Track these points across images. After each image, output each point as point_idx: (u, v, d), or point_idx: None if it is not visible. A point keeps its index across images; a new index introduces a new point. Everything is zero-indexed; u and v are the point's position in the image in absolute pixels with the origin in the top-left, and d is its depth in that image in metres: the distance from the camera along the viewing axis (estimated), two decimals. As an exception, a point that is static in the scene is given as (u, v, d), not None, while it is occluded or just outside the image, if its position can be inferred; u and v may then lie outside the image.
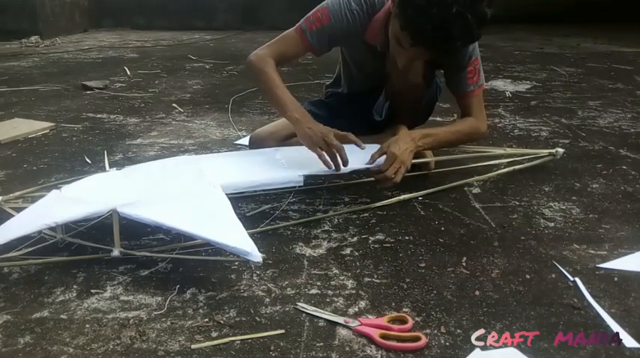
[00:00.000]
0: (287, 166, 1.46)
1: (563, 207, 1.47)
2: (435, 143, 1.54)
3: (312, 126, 1.41)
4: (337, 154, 1.38)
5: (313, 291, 1.09)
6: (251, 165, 1.51)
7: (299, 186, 1.42)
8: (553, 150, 1.76)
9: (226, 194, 1.26)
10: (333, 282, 1.12)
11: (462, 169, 1.69)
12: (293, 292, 1.09)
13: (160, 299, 1.07)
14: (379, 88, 1.68)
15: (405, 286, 1.11)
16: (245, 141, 2.08)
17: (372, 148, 1.47)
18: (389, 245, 1.28)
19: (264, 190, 1.52)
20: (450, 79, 1.58)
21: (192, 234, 1.15)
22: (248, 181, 1.38)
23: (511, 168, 1.70)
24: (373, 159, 1.44)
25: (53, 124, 2.31)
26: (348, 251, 1.25)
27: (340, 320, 0.99)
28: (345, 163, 1.39)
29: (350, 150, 1.42)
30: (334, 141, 1.38)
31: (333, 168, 1.39)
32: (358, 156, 1.44)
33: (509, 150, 1.75)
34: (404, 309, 1.03)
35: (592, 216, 1.42)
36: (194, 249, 1.24)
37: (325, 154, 1.38)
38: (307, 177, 1.42)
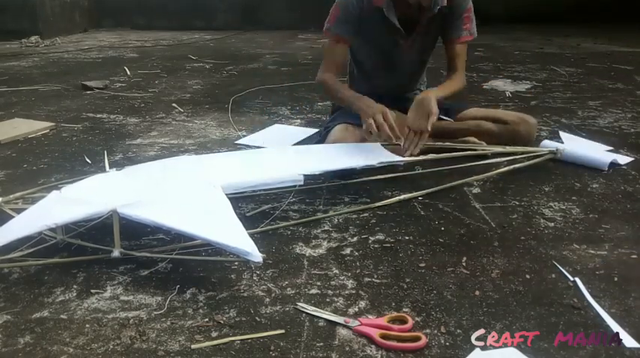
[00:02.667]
0: (289, 165, 1.46)
1: (563, 207, 1.47)
2: (440, 96, 1.69)
3: (369, 104, 1.60)
4: (389, 128, 1.53)
5: (313, 291, 1.09)
6: (251, 164, 1.51)
7: (299, 186, 1.43)
8: (554, 149, 1.76)
9: (226, 194, 1.26)
10: (333, 282, 1.12)
11: (461, 169, 1.69)
12: (293, 292, 1.09)
13: (160, 299, 1.07)
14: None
15: (405, 286, 1.11)
16: (245, 141, 2.08)
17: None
18: (389, 245, 1.28)
19: (264, 190, 1.52)
20: (445, 25, 1.75)
21: (193, 235, 1.15)
22: (248, 181, 1.38)
23: (512, 167, 1.70)
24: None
25: (53, 124, 2.31)
26: (348, 251, 1.25)
27: (340, 320, 0.99)
28: (397, 138, 1.55)
29: (360, 148, 1.44)
30: (387, 114, 1.55)
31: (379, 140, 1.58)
32: (367, 154, 1.48)
33: (509, 149, 1.75)
34: (404, 309, 1.03)
35: (592, 216, 1.42)
36: (194, 249, 1.24)
37: (374, 125, 1.53)
38: (307, 177, 1.42)
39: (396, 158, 1.55)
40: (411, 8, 1.66)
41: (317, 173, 1.47)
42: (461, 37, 1.75)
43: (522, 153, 1.76)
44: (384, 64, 1.85)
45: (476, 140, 1.82)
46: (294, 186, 1.42)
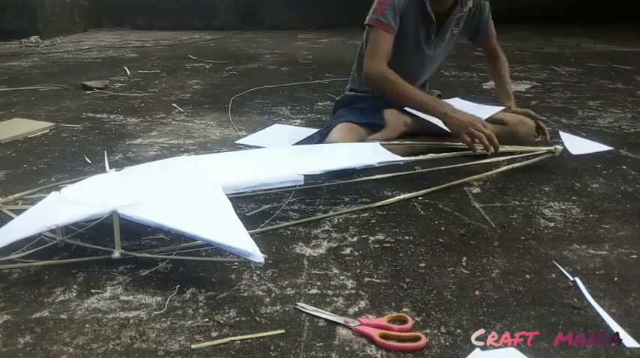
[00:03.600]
0: (289, 165, 1.46)
1: (563, 207, 1.47)
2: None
3: (460, 117, 1.64)
4: (487, 139, 1.58)
5: (313, 291, 1.09)
6: (250, 164, 1.51)
7: (299, 186, 1.43)
8: (552, 148, 1.76)
9: (227, 194, 1.26)
10: (333, 282, 1.12)
11: (461, 168, 1.69)
12: (293, 292, 1.09)
13: (160, 299, 1.07)
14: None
15: (405, 286, 1.11)
16: (245, 141, 2.08)
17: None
18: (389, 245, 1.28)
19: (264, 190, 1.52)
20: (478, 29, 1.95)
21: (194, 235, 1.15)
22: (248, 181, 1.38)
23: (510, 166, 1.70)
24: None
25: (53, 124, 2.31)
26: (348, 251, 1.25)
27: (340, 320, 0.99)
28: (496, 148, 1.60)
29: (360, 148, 1.45)
30: (484, 127, 1.61)
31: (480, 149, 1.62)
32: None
33: (508, 148, 1.75)
34: (404, 309, 1.03)
35: (592, 216, 1.42)
36: (194, 249, 1.24)
37: (474, 139, 1.60)
38: (307, 177, 1.42)
39: (396, 158, 1.55)
40: (445, 4, 1.77)
41: (317, 173, 1.47)
42: (490, 37, 1.98)
43: (521, 152, 1.76)
44: (409, 59, 1.86)
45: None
46: (294, 186, 1.42)
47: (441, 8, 1.78)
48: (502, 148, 1.75)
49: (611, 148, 1.90)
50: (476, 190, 1.59)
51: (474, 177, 1.65)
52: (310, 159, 1.53)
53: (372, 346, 0.93)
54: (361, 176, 1.65)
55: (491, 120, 1.83)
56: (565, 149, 1.76)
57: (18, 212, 1.34)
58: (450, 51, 1.99)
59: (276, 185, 1.41)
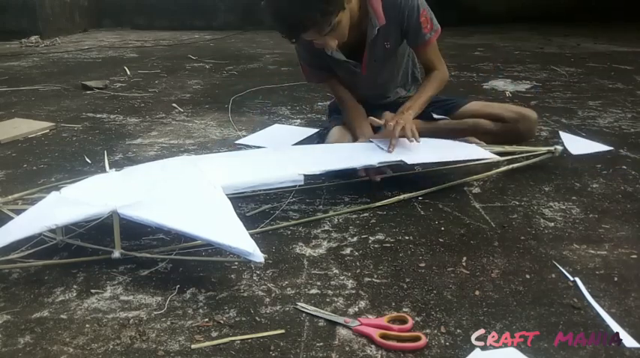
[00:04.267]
0: (289, 165, 1.46)
1: (563, 207, 1.47)
2: (418, 111, 1.68)
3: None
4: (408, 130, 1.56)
5: (313, 291, 1.09)
6: (250, 164, 1.51)
7: (299, 186, 1.43)
8: (552, 148, 1.76)
9: (227, 194, 1.26)
10: (333, 282, 1.12)
11: (461, 169, 1.69)
12: (293, 292, 1.09)
13: (160, 299, 1.07)
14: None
15: (405, 286, 1.11)
16: (245, 141, 2.08)
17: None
18: (389, 245, 1.28)
19: (264, 190, 1.52)
20: (408, 36, 1.68)
21: (194, 235, 1.15)
22: (248, 181, 1.38)
23: (510, 167, 1.70)
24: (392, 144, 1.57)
25: (53, 124, 2.31)
26: (348, 251, 1.25)
27: (340, 320, 0.99)
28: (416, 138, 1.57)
29: (360, 148, 1.45)
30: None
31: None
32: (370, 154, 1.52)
33: (508, 148, 1.75)
34: (404, 309, 1.03)
35: (592, 216, 1.42)
36: (194, 249, 1.24)
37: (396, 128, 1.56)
38: (307, 177, 1.42)
39: (397, 158, 1.55)
40: (352, 38, 1.59)
41: (317, 173, 1.47)
42: (426, 42, 1.68)
43: (521, 152, 1.76)
44: (354, 84, 1.81)
45: (476, 140, 1.81)
46: (295, 186, 1.42)
47: (350, 40, 1.60)
48: (502, 148, 1.75)
49: (611, 148, 1.90)
50: (476, 190, 1.59)
51: (474, 177, 1.65)
52: (310, 159, 1.53)
53: (372, 346, 0.93)
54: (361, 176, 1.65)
55: (491, 115, 1.82)
56: (565, 149, 1.76)
57: (18, 212, 1.34)
58: (393, 58, 1.77)
59: (276, 185, 1.41)
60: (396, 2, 1.60)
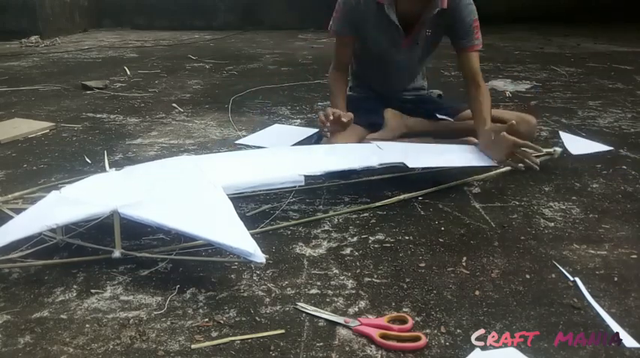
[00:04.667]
0: (289, 165, 1.46)
1: (563, 207, 1.47)
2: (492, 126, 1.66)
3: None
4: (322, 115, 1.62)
5: (313, 291, 1.09)
6: (251, 164, 1.51)
7: (299, 186, 1.43)
8: (551, 149, 1.76)
9: (227, 194, 1.26)
10: (333, 282, 1.12)
11: (461, 168, 1.69)
12: (293, 292, 1.09)
13: (160, 299, 1.07)
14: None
15: (405, 286, 1.11)
16: (245, 141, 2.08)
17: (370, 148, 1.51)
18: (389, 245, 1.28)
19: (264, 190, 1.52)
20: (458, 36, 1.73)
21: (195, 235, 1.15)
22: (248, 181, 1.38)
23: (509, 168, 1.69)
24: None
25: (53, 124, 2.31)
26: (348, 251, 1.25)
27: (340, 320, 0.99)
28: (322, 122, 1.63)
29: (360, 149, 1.46)
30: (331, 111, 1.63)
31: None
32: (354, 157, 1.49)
33: None
34: (404, 309, 1.03)
35: (592, 216, 1.42)
36: (194, 249, 1.24)
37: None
38: (307, 177, 1.42)
39: (397, 159, 1.54)
40: (413, 7, 1.67)
41: (318, 174, 1.47)
42: (474, 46, 1.75)
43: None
44: (381, 62, 1.85)
45: (475, 140, 1.81)
46: (295, 186, 1.42)
47: (410, 10, 1.69)
48: None
49: (611, 148, 1.90)
50: (476, 190, 1.59)
51: (475, 177, 1.65)
52: (311, 160, 1.54)
53: (372, 346, 0.93)
54: (361, 176, 1.65)
55: (492, 119, 1.82)
56: (565, 150, 1.76)
57: (18, 211, 1.33)
58: (428, 52, 1.87)
59: (276, 185, 1.41)
60: (457, 1, 1.68)
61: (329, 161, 1.52)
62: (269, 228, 1.36)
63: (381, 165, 1.52)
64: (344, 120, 1.65)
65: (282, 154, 1.63)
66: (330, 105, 1.80)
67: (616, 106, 2.56)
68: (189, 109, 2.61)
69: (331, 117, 1.62)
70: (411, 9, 1.68)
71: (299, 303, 1.04)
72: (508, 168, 1.69)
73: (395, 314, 1.01)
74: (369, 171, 1.61)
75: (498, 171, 1.69)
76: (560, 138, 1.95)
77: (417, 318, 1.00)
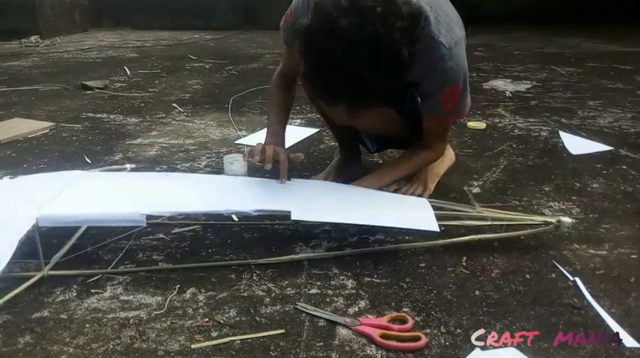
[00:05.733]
0: (136, 200, 1.23)
1: (563, 207, 1.47)
2: (394, 177, 1.48)
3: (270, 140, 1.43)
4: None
5: (313, 291, 1.09)
6: (94, 193, 1.28)
7: (140, 227, 1.23)
8: (554, 220, 1.24)
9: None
10: (333, 282, 1.12)
11: (461, 168, 1.69)
12: (293, 292, 1.09)
13: (159, 299, 1.07)
14: None
15: (405, 286, 1.11)
16: (245, 141, 2.08)
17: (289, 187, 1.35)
18: (389, 245, 1.28)
19: (97, 227, 1.29)
20: (421, 99, 1.35)
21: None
22: (74, 214, 1.16)
23: (508, 234, 1.27)
24: None
25: (53, 124, 2.31)
26: (348, 251, 1.25)
27: (340, 320, 0.99)
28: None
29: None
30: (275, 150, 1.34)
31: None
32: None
33: (503, 213, 1.34)
34: (404, 309, 1.03)
35: (592, 216, 1.42)
36: (194, 248, 1.24)
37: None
38: (150, 217, 1.17)
39: (284, 207, 1.22)
40: None
41: (165, 215, 1.25)
42: (434, 115, 1.37)
43: (522, 219, 1.31)
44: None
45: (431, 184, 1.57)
46: (136, 226, 1.25)
47: None
48: (499, 213, 1.34)
49: (611, 148, 1.90)
50: (476, 190, 1.59)
51: (474, 176, 1.64)
52: (172, 194, 1.28)
53: (372, 346, 0.93)
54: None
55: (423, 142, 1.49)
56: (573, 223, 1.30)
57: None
58: None
59: (110, 223, 1.17)
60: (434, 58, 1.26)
61: (196, 199, 1.27)
62: (269, 227, 1.35)
63: (257, 212, 1.19)
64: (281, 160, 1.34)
65: (138, 185, 1.35)
66: (268, 124, 1.52)
67: (616, 106, 2.56)
68: (189, 109, 2.61)
69: (257, 158, 1.32)
70: None
71: (299, 303, 1.04)
72: (506, 234, 1.27)
73: (395, 314, 1.01)
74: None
75: (499, 170, 1.68)
76: (561, 139, 1.95)
77: (417, 318, 1.00)
